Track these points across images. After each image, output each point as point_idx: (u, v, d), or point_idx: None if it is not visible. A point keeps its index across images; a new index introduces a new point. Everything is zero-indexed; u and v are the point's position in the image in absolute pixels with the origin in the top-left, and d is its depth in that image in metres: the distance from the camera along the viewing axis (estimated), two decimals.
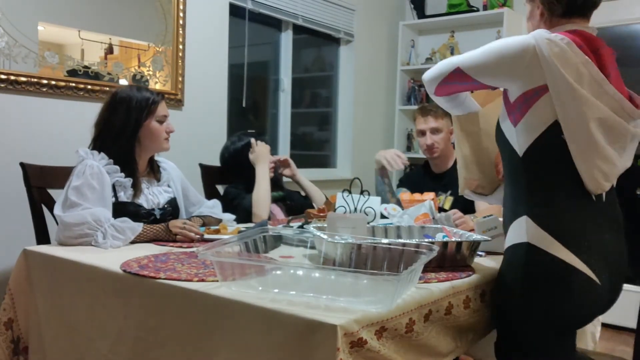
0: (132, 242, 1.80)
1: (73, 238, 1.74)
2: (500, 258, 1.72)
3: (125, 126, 1.95)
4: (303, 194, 2.77)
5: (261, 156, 2.52)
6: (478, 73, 1.45)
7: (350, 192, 2.12)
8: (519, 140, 1.41)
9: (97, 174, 1.84)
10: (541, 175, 1.41)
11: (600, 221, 1.43)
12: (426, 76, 1.59)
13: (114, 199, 1.90)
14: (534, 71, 1.35)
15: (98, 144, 1.95)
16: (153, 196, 2.04)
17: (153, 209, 2.00)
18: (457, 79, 1.49)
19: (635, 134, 1.42)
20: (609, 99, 1.37)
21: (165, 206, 2.05)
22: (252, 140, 2.56)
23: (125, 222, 1.80)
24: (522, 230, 1.42)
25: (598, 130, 1.35)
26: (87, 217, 1.74)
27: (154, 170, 2.11)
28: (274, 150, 2.74)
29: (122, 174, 1.93)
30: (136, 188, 1.97)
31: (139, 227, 1.81)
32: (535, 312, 1.41)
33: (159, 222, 1.91)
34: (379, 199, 2.13)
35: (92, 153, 1.90)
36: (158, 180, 2.10)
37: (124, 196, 1.94)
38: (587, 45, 1.38)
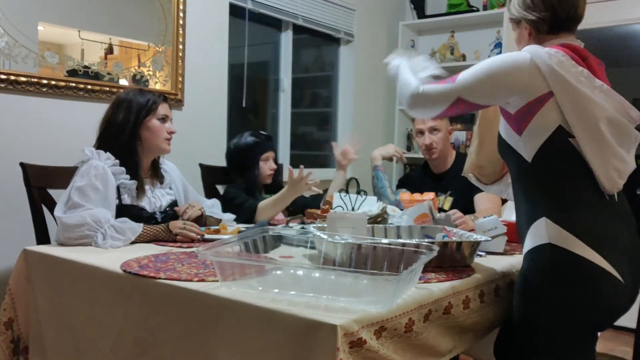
0: (132, 243, 1.80)
1: (73, 239, 1.74)
2: (501, 258, 1.73)
3: (127, 123, 1.95)
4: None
5: (299, 189, 2.31)
6: (478, 98, 1.45)
7: (347, 192, 2.13)
8: (526, 146, 1.43)
9: (101, 174, 1.84)
10: (554, 177, 1.42)
11: (616, 220, 1.44)
12: (422, 107, 1.53)
13: (117, 201, 1.90)
14: (535, 83, 1.38)
15: (102, 143, 1.95)
16: (156, 199, 2.04)
17: (155, 213, 2.00)
18: (460, 108, 1.48)
19: (637, 137, 1.45)
20: (612, 102, 1.40)
21: (167, 209, 2.05)
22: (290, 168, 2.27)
23: (125, 223, 1.80)
24: (542, 232, 1.41)
25: (607, 130, 1.38)
26: (86, 218, 1.74)
27: (157, 173, 2.11)
28: None
29: (128, 176, 1.92)
30: (140, 189, 1.97)
31: (139, 227, 1.81)
32: (563, 312, 1.40)
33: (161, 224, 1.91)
34: (375, 198, 2.14)
35: (98, 153, 1.90)
36: (161, 182, 2.11)
37: (128, 199, 1.94)
38: (578, 55, 1.42)
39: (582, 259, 1.36)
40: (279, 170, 2.69)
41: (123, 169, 1.91)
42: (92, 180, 1.81)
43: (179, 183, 2.18)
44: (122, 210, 1.88)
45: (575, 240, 1.36)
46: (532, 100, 1.39)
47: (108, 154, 1.90)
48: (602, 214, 1.42)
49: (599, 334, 1.51)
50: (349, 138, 2.41)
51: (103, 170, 1.85)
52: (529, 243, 1.46)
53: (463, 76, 1.46)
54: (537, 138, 1.40)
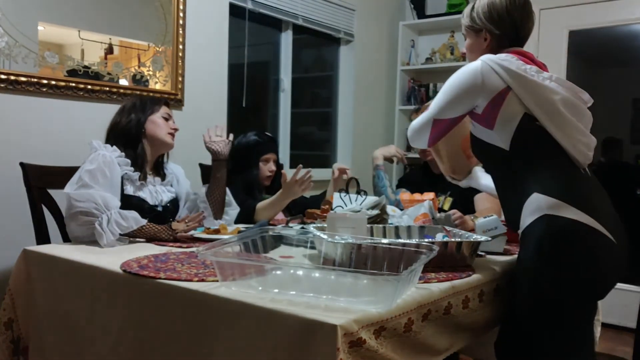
0: (133, 239, 1.81)
1: (79, 214, 1.76)
2: (501, 258, 1.73)
3: (133, 120, 2.04)
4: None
5: (294, 193, 2.32)
6: (449, 112, 1.62)
7: (347, 192, 2.13)
8: (501, 137, 1.55)
9: (109, 162, 1.89)
10: (534, 157, 1.53)
11: (595, 190, 1.55)
12: (413, 140, 1.77)
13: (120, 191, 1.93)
14: (490, 82, 1.53)
15: (110, 140, 2.02)
16: (157, 194, 2.08)
17: (156, 205, 2.04)
18: (438, 126, 1.66)
19: (590, 117, 1.60)
20: (563, 88, 1.54)
21: (167, 205, 2.08)
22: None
23: (131, 213, 1.83)
24: (537, 205, 1.47)
25: (566, 109, 1.52)
26: (96, 197, 1.78)
27: (160, 170, 2.16)
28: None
29: (132, 168, 1.98)
30: (142, 181, 2.01)
31: (143, 220, 1.85)
32: (566, 276, 1.44)
33: (161, 217, 1.96)
34: (375, 198, 2.13)
35: (105, 146, 1.96)
36: (162, 179, 2.14)
37: (130, 189, 1.98)
38: (525, 57, 1.59)
39: (578, 223, 1.43)
40: (279, 172, 2.68)
41: (128, 160, 1.97)
42: (101, 165, 1.87)
43: (183, 182, 2.23)
44: (124, 200, 1.92)
45: (569, 207, 1.43)
46: (493, 97, 1.53)
47: (114, 147, 1.97)
48: (583, 184, 1.52)
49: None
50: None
51: (110, 159, 1.90)
52: (525, 221, 1.50)
53: (432, 102, 1.66)
54: (508, 127, 1.53)
